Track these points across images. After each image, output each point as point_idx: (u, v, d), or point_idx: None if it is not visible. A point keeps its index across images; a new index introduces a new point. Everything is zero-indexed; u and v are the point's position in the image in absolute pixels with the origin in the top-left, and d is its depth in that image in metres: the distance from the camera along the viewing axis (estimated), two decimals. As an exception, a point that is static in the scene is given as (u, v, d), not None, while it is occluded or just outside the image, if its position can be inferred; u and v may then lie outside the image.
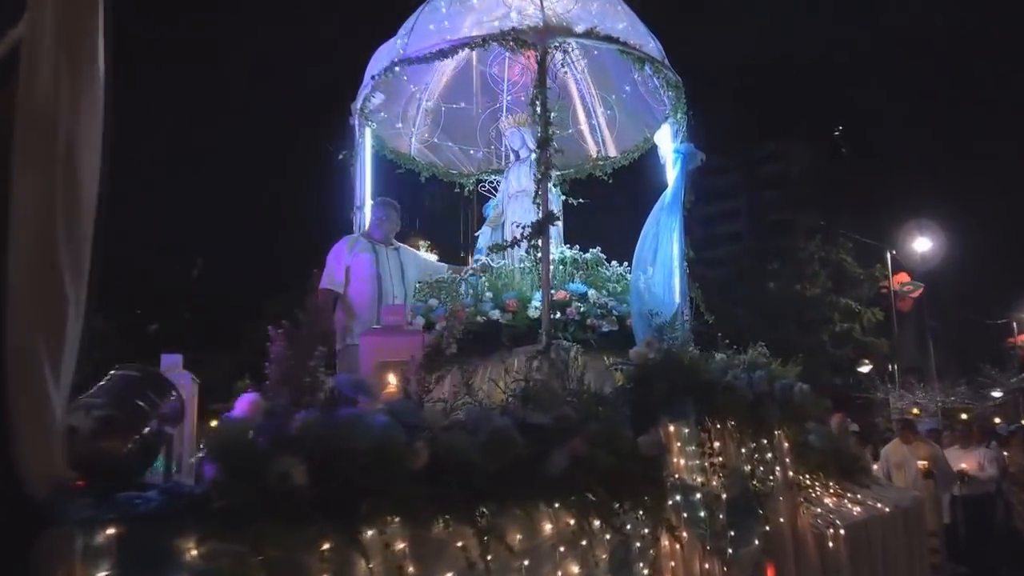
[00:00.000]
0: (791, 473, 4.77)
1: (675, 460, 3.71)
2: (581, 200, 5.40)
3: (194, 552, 1.85)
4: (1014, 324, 24.56)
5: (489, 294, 4.65)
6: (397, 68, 5.09)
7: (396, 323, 3.35)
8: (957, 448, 9.40)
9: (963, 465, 8.90)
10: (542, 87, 4.41)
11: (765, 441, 4.42)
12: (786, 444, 4.80)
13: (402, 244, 5.38)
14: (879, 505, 6.07)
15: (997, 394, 22.57)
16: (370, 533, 2.26)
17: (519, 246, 4.32)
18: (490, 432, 2.72)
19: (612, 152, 6.49)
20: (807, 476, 5.87)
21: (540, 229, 4.20)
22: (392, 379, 3.06)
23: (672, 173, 5.59)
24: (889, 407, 20.82)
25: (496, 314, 4.51)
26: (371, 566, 2.14)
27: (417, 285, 5.21)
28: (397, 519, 2.31)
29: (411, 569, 2.26)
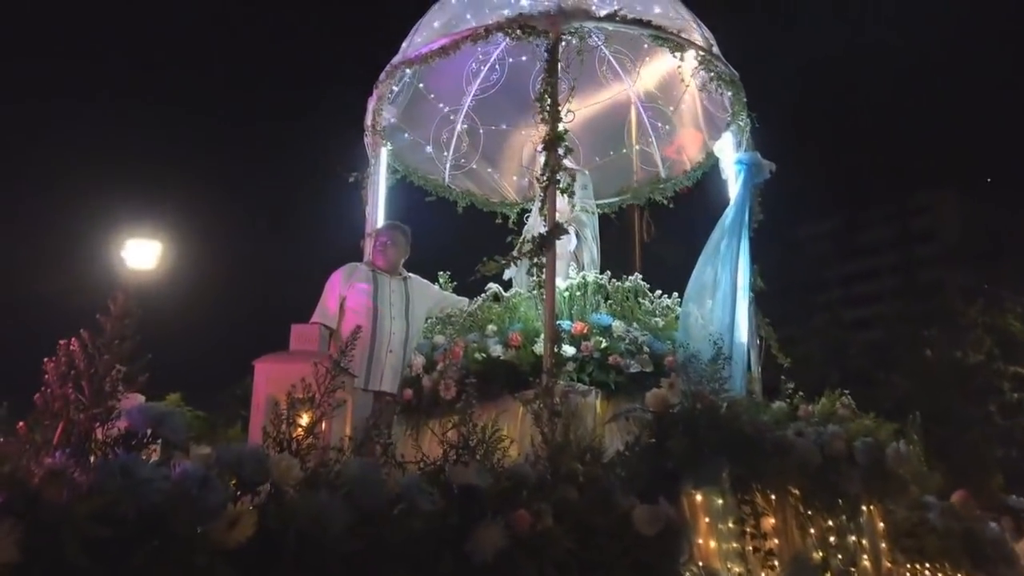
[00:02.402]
0: (888, 563, 3.63)
1: (701, 542, 2.76)
2: (602, 210, 4.57)
3: None
4: None
5: (493, 327, 3.88)
6: (409, 75, 4.53)
7: (306, 348, 2.66)
8: None
9: None
10: (552, 78, 3.70)
11: (845, 519, 3.34)
12: (880, 524, 3.68)
13: (413, 275, 4.71)
14: (1028, 607, 4.73)
15: None
16: (142, 640, 1.53)
17: (515, 264, 3.55)
18: (378, 495, 1.93)
19: (675, 171, 5.64)
20: (923, 566, 4.63)
21: (543, 243, 3.41)
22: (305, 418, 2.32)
23: (735, 188, 4.70)
24: None
25: (499, 350, 3.72)
26: None
27: (428, 321, 4.51)
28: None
29: None
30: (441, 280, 4.85)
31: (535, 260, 3.45)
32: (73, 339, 1.79)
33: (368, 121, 4.85)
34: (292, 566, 1.70)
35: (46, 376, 1.74)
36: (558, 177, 3.55)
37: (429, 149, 5.60)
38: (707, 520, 2.79)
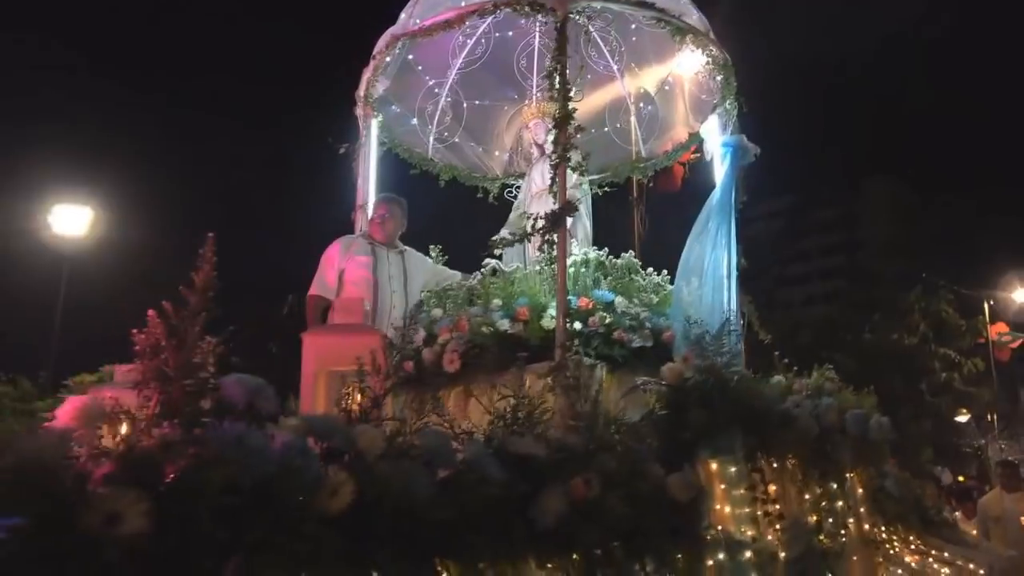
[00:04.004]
0: (867, 527, 3.89)
1: (718, 507, 2.91)
2: (607, 188, 4.68)
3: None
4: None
5: (498, 301, 3.94)
6: (400, 46, 4.50)
7: (350, 321, 2.68)
8: None
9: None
10: (561, 57, 3.74)
11: (835, 486, 3.57)
12: (860, 490, 3.93)
13: (409, 247, 4.72)
14: (972, 566, 5.10)
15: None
16: (256, 605, 1.57)
17: (529, 242, 3.62)
18: (453, 463, 2.00)
19: (655, 151, 5.76)
20: (884, 530, 4.96)
21: (556, 221, 3.48)
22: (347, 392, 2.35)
23: (721, 170, 4.85)
24: (984, 457, 19.62)
25: (505, 324, 3.79)
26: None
27: (424, 294, 4.54)
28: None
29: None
30: (433, 254, 4.88)
31: (547, 237, 3.52)
32: (153, 311, 1.78)
33: (361, 92, 4.80)
34: (387, 534, 1.75)
35: (136, 348, 1.73)
36: (569, 155, 3.61)
37: (414, 121, 5.57)
38: (723, 487, 2.95)
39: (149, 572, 1.39)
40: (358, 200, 4.82)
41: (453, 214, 6.14)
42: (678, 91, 5.40)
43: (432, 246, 4.91)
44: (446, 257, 4.90)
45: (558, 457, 2.28)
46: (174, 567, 1.41)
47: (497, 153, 6.00)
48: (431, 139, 5.74)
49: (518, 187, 5.74)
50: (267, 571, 1.53)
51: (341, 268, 4.35)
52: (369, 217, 4.68)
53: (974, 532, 7.46)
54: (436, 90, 5.67)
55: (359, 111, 4.90)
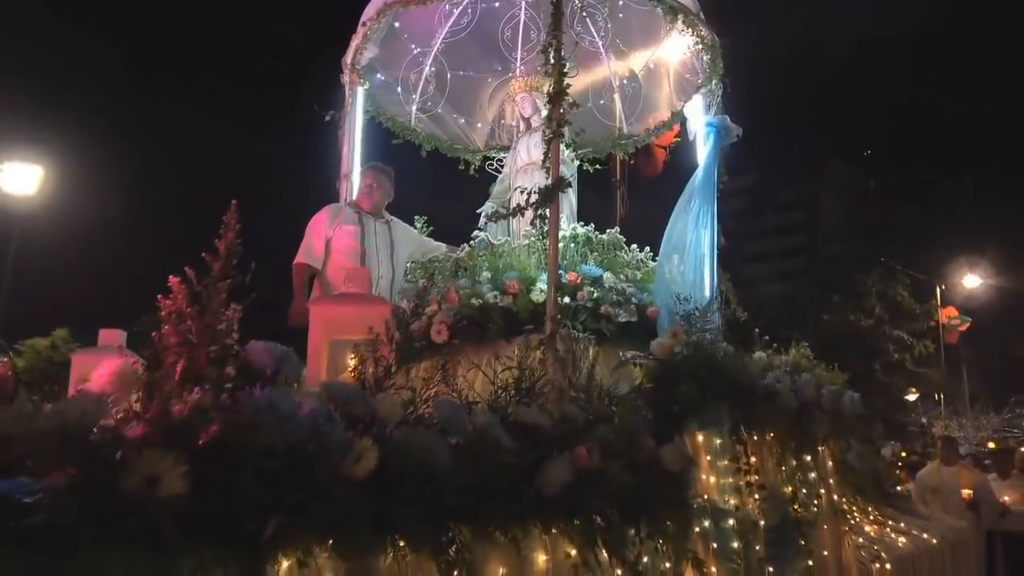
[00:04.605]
0: (835, 497, 4.07)
1: (704, 477, 3.03)
2: (599, 166, 4.73)
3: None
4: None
5: (487, 274, 3.98)
6: (389, 12, 4.45)
7: (356, 291, 2.69)
8: (993, 478, 8.61)
9: (1005, 498, 8.11)
10: (557, 31, 3.75)
11: (808, 458, 3.72)
12: (830, 463, 4.10)
13: (395, 218, 4.72)
14: (925, 536, 5.36)
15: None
16: (286, 565, 1.62)
17: (522, 216, 3.66)
18: (467, 432, 2.06)
19: (637, 129, 5.81)
20: (847, 500, 5.18)
21: (548, 196, 3.52)
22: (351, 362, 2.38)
23: (704, 150, 4.93)
24: (929, 434, 20.49)
25: (494, 297, 3.84)
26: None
27: (409, 265, 4.55)
28: (327, 547, 1.67)
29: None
30: (419, 224, 4.88)
31: (539, 212, 3.56)
32: (175, 277, 1.79)
33: (348, 59, 4.75)
34: (408, 499, 1.80)
35: (162, 314, 1.74)
36: (563, 133, 3.64)
37: (398, 90, 5.54)
38: (708, 458, 3.06)
39: (191, 533, 1.42)
40: (343, 169, 4.79)
41: (433, 186, 6.14)
42: (663, 71, 5.44)
43: (417, 217, 4.92)
44: (431, 228, 4.92)
45: (562, 428, 2.35)
46: (215, 528, 1.44)
47: (479, 125, 5.99)
48: (414, 108, 5.71)
49: (499, 160, 5.76)
50: (303, 534, 1.57)
51: (328, 237, 4.34)
52: (355, 186, 4.66)
53: None
54: (420, 59, 5.63)
55: (345, 79, 4.85)
